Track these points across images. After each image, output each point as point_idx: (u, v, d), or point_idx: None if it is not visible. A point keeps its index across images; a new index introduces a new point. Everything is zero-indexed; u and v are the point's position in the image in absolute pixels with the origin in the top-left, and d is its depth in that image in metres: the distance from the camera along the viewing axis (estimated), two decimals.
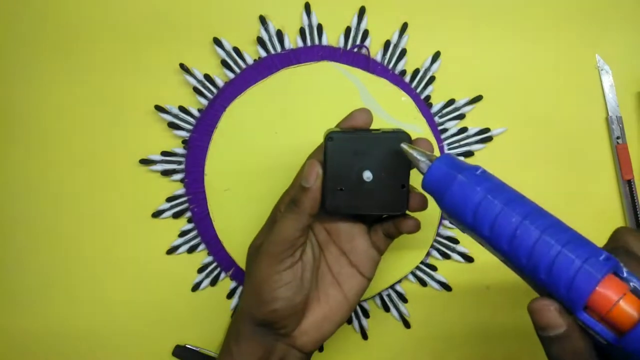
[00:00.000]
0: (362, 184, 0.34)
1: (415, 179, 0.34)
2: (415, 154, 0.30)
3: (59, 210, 0.47)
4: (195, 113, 0.46)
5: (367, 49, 0.46)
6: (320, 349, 0.48)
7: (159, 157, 0.46)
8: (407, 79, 0.46)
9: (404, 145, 0.31)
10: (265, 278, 0.33)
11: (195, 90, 0.46)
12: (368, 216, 0.37)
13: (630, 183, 0.47)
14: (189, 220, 0.47)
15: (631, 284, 0.23)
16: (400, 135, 0.33)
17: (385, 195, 0.35)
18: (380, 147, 0.34)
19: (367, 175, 0.34)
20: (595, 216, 0.48)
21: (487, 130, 0.46)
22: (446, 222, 0.47)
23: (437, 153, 0.45)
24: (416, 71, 0.46)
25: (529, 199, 0.27)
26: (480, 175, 0.27)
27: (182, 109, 0.46)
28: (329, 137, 0.34)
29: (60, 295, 0.48)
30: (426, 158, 0.30)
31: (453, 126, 0.47)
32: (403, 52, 0.46)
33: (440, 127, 0.46)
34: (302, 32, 0.46)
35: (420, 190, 0.32)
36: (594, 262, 0.22)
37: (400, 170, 0.34)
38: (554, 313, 0.23)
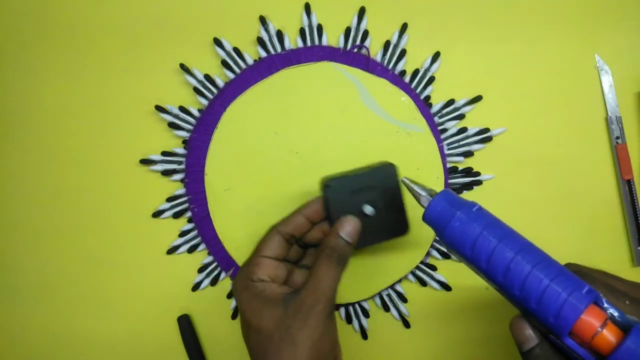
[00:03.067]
0: (366, 218, 0.38)
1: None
2: (416, 188, 0.33)
3: (59, 210, 0.47)
4: (196, 113, 0.46)
5: (367, 49, 0.46)
6: None
7: (159, 157, 0.46)
8: (407, 79, 0.46)
9: (405, 180, 0.35)
10: (326, 337, 0.31)
11: (196, 90, 0.46)
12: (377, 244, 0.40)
13: (629, 183, 0.47)
14: (189, 220, 0.47)
15: (609, 312, 0.26)
16: (389, 168, 0.38)
17: (388, 222, 0.39)
18: (373, 182, 0.38)
19: (368, 209, 0.38)
20: (595, 216, 0.48)
21: (486, 130, 0.47)
22: None
23: (436, 153, 0.46)
24: (416, 71, 0.46)
25: (520, 235, 0.29)
26: (476, 212, 0.29)
27: (182, 109, 0.46)
28: (326, 185, 0.37)
29: (60, 295, 0.48)
30: (426, 193, 0.32)
31: (453, 126, 0.47)
32: (403, 52, 0.46)
33: (440, 127, 0.46)
34: (302, 32, 0.46)
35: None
36: (578, 294, 0.26)
37: (394, 196, 0.38)
38: (528, 331, 0.28)
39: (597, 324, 0.25)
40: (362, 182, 0.38)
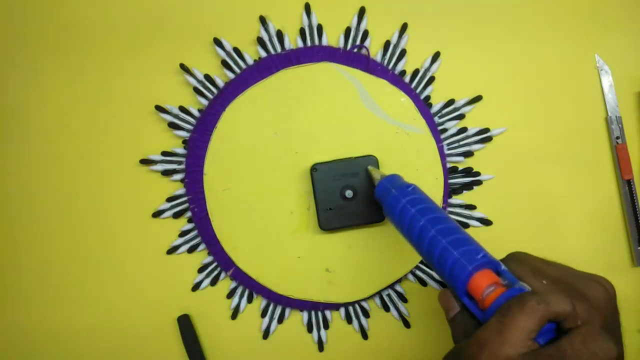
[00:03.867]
0: (346, 201, 0.44)
1: None
2: (374, 173, 0.41)
3: (59, 210, 0.47)
4: (196, 113, 0.46)
5: (367, 49, 0.46)
6: (321, 349, 0.48)
7: (159, 157, 0.46)
8: (407, 79, 0.46)
9: (369, 167, 0.43)
10: None
11: (196, 90, 0.46)
12: (355, 227, 0.45)
13: (629, 183, 0.47)
14: (189, 220, 0.47)
15: (504, 277, 0.29)
16: (371, 158, 0.44)
17: (366, 208, 0.44)
18: (355, 169, 0.44)
19: (348, 193, 0.43)
20: (595, 216, 0.48)
21: (486, 130, 0.47)
22: None
23: (436, 154, 0.46)
24: (416, 71, 0.46)
25: (439, 209, 0.34)
26: (408, 190, 0.36)
27: (182, 109, 0.46)
28: (313, 168, 0.44)
29: (60, 295, 0.48)
30: (380, 177, 0.39)
31: (453, 126, 0.47)
32: (403, 53, 0.46)
33: (440, 127, 0.46)
34: (302, 32, 0.46)
35: None
36: (469, 257, 0.29)
37: (374, 185, 0.42)
38: (452, 301, 0.30)
39: (485, 285, 0.28)
40: (346, 169, 0.44)
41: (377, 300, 0.48)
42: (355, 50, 0.46)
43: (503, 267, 0.29)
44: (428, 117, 0.46)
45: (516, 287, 0.27)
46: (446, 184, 0.46)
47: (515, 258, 0.31)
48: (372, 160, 0.44)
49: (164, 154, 0.46)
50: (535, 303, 0.25)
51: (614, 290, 0.29)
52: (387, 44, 0.46)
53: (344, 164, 0.44)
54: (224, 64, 0.45)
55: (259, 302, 0.48)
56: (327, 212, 0.44)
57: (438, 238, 0.31)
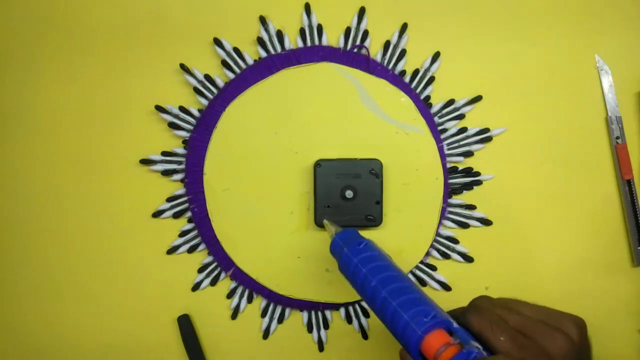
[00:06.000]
0: (345, 201, 0.43)
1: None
2: (328, 228, 0.39)
3: (59, 210, 0.47)
4: (196, 113, 0.46)
5: (367, 49, 0.46)
6: (321, 349, 0.48)
7: (159, 157, 0.46)
8: (407, 79, 0.46)
9: (325, 221, 0.41)
10: None
11: (196, 90, 0.46)
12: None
13: (629, 183, 0.47)
14: (189, 220, 0.47)
15: (457, 336, 0.29)
16: (375, 162, 0.43)
17: (364, 211, 0.44)
18: (358, 170, 0.43)
19: (349, 193, 0.43)
20: (595, 216, 0.48)
21: (486, 130, 0.47)
22: (446, 222, 0.47)
23: (436, 154, 0.46)
24: (416, 71, 0.46)
25: (394, 267, 0.33)
26: (360, 248, 0.35)
27: (182, 109, 0.46)
28: (317, 163, 0.43)
29: (61, 295, 0.48)
30: (334, 232, 0.38)
31: (453, 126, 0.47)
32: (403, 53, 0.46)
33: (440, 127, 0.46)
34: (302, 32, 0.46)
35: None
36: (419, 320, 0.29)
37: (375, 189, 0.44)
38: (409, 357, 0.30)
39: (436, 347, 0.28)
40: (350, 169, 0.43)
41: None
42: (355, 50, 0.46)
43: (455, 325, 0.29)
44: (428, 117, 0.46)
45: (465, 351, 0.27)
46: (446, 184, 0.46)
47: (475, 308, 0.30)
48: (377, 163, 0.43)
49: (164, 154, 0.46)
50: None
51: (583, 332, 0.29)
52: (387, 44, 0.46)
53: (348, 163, 0.44)
54: (224, 64, 0.45)
55: (259, 302, 0.48)
56: (324, 210, 0.44)
57: (388, 300, 0.31)
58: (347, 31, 0.46)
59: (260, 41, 0.45)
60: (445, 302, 0.47)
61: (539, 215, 0.47)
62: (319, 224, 0.44)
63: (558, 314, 0.29)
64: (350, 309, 0.48)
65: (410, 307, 0.30)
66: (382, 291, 0.31)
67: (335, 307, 0.47)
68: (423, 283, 0.47)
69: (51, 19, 0.46)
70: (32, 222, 0.48)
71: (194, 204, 0.46)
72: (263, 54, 0.46)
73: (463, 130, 0.46)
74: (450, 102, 0.46)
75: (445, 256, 0.47)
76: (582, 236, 0.48)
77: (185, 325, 0.47)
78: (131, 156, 0.47)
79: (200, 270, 0.48)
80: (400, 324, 0.30)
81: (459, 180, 0.47)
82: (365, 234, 0.45)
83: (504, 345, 0.28)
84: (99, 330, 0.48)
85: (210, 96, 0.46)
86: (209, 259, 0.47)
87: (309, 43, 0.46)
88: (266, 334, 0.48)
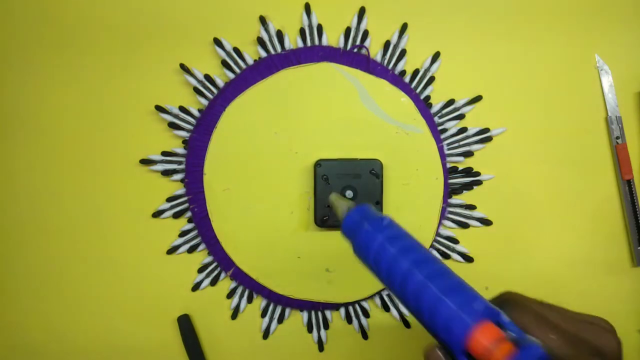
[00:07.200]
0: None
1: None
2: (338, 203, 0.33)
3: (60, 210, 0.47)
4: (196, 113, 0.46)
5: (367, 49, 0.46)
6: (321, 349, 0.48)
7: (159, 157, 0.46)
8: (407, 79, 0.46)
9: (332, 196, 0.34)
10: None
11: (196, 90, 0.46)
12: None
13: (630, 183, 0.47)
14: (189, 220, 0.47)
15: (509, 332, 0.24)
16: (376, 162, 0.43)
17: None
18: (358, 171, 0.44)
19: (349, 193, 0.43)
20: (595, 216, 0.48)
21: (486, 130, 0.47)
22: (446, 222, 0.47)
23: (436, 154, 0.46)
24: (416, 71, 0.46)
25: (424, 248, 0.28)
26: (384, 225, 0.29)
27: (182, 109, 0.46)
28: (317, 163, 0.43)
29: (61, 295, 0.48)
30: (346, 207, 0.32)
31: (453, 126, 0.47)
32: (403, 53, 0.46)
33: (440, 128, 0.46)
34: (302, 32, 0.46)
35: None
36: (468, 308, 0.24)
37: (375, 189, 0.44)
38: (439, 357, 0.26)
39: (488, 342, 0.23)
40: (350, 169, 0.44)
41: (377, 300, 0.48)
42: (355, 50, 0.46)
43: (504, 316, 0.25)
44: (428, 117, 0.46)
45: (527, 345, 0.23)
46: (446, 184, 0.46)
47: (513, 302, 0.27)
48: (377, 163, 0.44)
49: (164, 154, 0.47)
50: None
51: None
52: (387, 44, 0.46)
53: (348, 163, 0.44)
54: (224, 64, 0.45)
55: (259, 302, 0.48)
56: (324, 210, 0.44)
57: (427, 284, 0.26)
58: (347, 31, 0.46)
59: (260, 41, 0.45)
60: None
61: (539, 215, 0.47)
62: (319, 225, 0.44)
63: (590, 315, 0.28)
64: (350, 309, 0.48)
65: (455, 293, 0.25)
66: (418, 274, 0.26)
67: (335, 307, 0.47)
68: None
69: (51, 19, 0.46)
70: (32, 222, 0.48)
71: (194, 204, 0.46)
72: (263, 54, 0.46)
73: (463, 130, 0.46)
74: (450, 102, 0.46)
75: (445, 256, 0.47)
76: (582, 236, 0.48)
77: (185, 325, 0.47)
78: (131, 156, 0.47)
79: (200, 270, 0.48)
80: (442, 312, 0.24)
81: (459, 180, 0.47)
82: None
83: (556, 343, 0.25)
84: (99, 330, 0.48)
85: (210, 96, 0.46)
86: (209, 259, 0.47)
87: (309, 43, 0.46)
88: (266, 334, 0.48)
